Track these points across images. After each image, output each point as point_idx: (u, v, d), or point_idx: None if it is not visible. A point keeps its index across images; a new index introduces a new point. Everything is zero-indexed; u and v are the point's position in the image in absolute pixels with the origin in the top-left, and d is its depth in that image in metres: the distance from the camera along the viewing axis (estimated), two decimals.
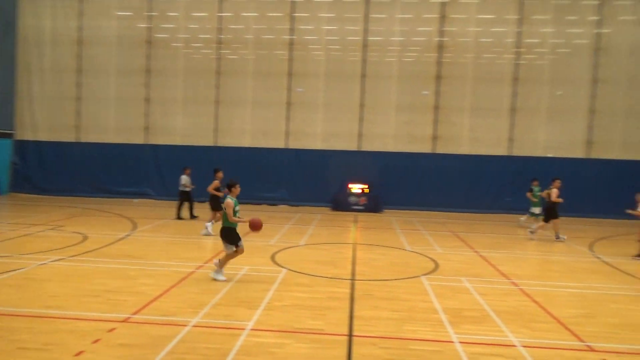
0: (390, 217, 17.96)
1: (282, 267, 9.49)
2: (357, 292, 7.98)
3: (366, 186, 19.34)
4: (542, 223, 13.89)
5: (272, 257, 10.33)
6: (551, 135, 19.69)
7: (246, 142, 20.50)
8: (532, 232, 14.03)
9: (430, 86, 19.83)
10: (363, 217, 17.75)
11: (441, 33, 19.65)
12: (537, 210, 15.65)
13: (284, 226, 14.73)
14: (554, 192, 13.43)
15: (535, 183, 15.96)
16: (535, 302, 7.79)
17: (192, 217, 15.60)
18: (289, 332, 6.11)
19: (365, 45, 19.86)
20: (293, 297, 7.55)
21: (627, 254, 11.92)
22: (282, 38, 20.15)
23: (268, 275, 8.81)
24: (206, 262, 9.62)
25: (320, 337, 6.00)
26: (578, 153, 19.62)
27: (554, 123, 19.65)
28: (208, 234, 12.59)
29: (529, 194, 15.97)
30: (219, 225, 8.84)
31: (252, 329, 6.14)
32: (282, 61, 20.18)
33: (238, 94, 20.44)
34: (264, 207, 19.43)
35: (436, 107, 19.83)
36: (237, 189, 8.47)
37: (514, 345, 5.92)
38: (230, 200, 8.26)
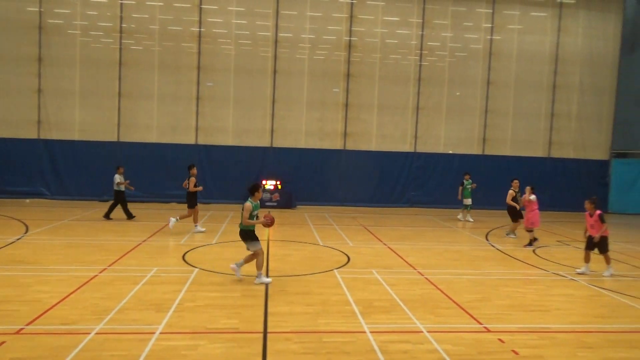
0: (304, 212, 18.15)
1: (194, 266, 9.21)
2: (272, 288, 7.98)
3: (279, 182, 19.37)
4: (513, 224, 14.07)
5: (183, 257, 9.99)
6: (451, 132, 21.12)
7: (153, 137, 19.57)
8: (460, 220, 15.00)
9: (340, 84, 20.31)
10: (276, 213, 17.64)
11: (350, 33, 20.18)
12: (468, 201, 17.14)
13: (194, 225, 14.27)
14: (510, 194, 13.76)
15: (467, 177, 17.34)
16: (439, 289, 8.31)
17: (130, 217, 14.76)
18: (202, 333, 5.95)
19: (276, 41, 19.83)
20: (206, 297, 7.36)
21: (517, 243, 13.11)
22: (190, 30, 19.46)
23: (179, 276, 8.50)
24: (110, 265, 9.06)
25: (235, 335, 5.91)
26: (475, 149, 21.25)
27: (453, 121, 21.09)
28: (199, 231, 12.88)
29: (460, 188, 17.34)
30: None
31: (162, 333, 5.89)
32: (191, 54, 19.51)
33: (143, 87, 19.41)
34: (173, 205, 18.70)
35: (346, 105, 20.36)
36: (259, 194, 8.39)
37: (420, 331, 6.27)
38: (249, 204, 8.12)
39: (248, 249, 8.35)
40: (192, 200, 12.99)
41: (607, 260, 9.71)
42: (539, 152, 21.70)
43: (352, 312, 6.94)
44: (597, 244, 9.65)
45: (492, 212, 19.31)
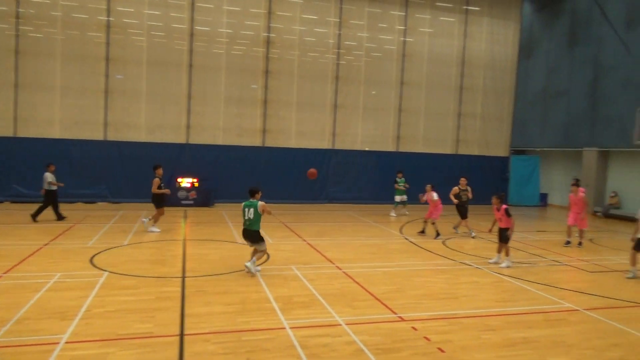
0: (222, 210, 17.80)
1: (103, 270, 8.68)
2: (189, 289, 7.74)
3: (196, 180, 18.81)
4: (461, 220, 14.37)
5: (91, 260, 9.38)
6: (368, 130, 21.78)
7: (55, 132, 18.13)
8: (394, 215, 16.59)
9: (259, 80, 20.14)
10: (193, 212, 17.24)
11: (268, 29, 20.06)
12: (399, 198, 17.97)
13: (104, 225, 13.48)
14: (454, 191, 14.13)
15: (400, 175, 18.08)
16: (357, 282, 8.54)
17: (60, 218, 13.73)
18: (113, 339, 5.63)
19: (192, 35, 19.20)
20: (117, 302, 6.97)
21: (428, 235, 13.83)
22: (97, 19, 18.24)
23: (86, 281, 7.97)
24: (6, 272, 8.28)
25: (149, 340, 5.66)
26: (390, 146, 22.09)
27: (369, 119, 21.75)
28: (153, 231, 12.61)
29: (395, 185, 18.11)
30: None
31: (67, 342, 5.49)
32: (98, 44, 18.31)
33: (44, 78, 17.90)
34: (79, 205, 17.51)
35: (265, 101, 20.23)
36: (259, 195, 9.12)
37: (339, 324, 6.40)
38: (263, 203, 8.87)
39: (253, 247, 8.95)
40: (158, 201, 12.88)
41: (507, 252, 10.43)
42: (447, 149, 23.04)
43: (271, 309, 6.92)
44: (503, 236, 10.32)
45: (407, 206, 20.15)
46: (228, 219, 15.70)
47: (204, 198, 18.71)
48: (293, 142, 20.75)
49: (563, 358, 5.69)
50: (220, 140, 19.86)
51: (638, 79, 17.63)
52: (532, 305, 7.71)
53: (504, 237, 10.35)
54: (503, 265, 10.30)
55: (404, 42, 21.84)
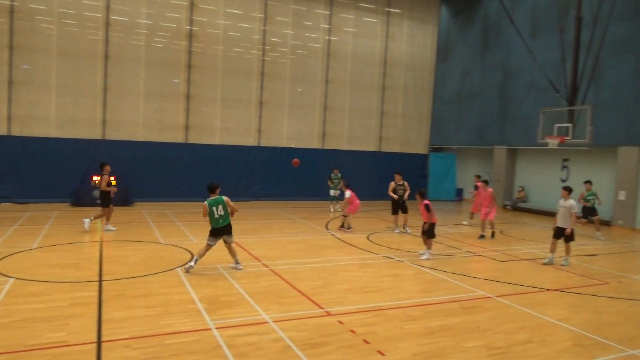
0: (142, 209, 17.03)
1: (8, 276, 7.98)
2: (107, 293, 7.33)
3: (113, 178, 17.80)
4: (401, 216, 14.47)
5: None
6: (293, 127, 21.82)
7: None
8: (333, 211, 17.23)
9: (181, 74, 19.45)
10: None
11: (191, 22, 19.44)
12: (333, 192, 18.52)
13: (8, 228, 12.39)
14: (391, 186, 14.49)
15: (336, 172, 18.59)
16: (284, 279, 8.55)
17: None
18: (20, 352, 5.20)
19: (107, 24, 18.12)
20: (25, 310, 6.44)
21: (355, 229, 14.14)
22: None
23: None
24: None
25: (63, 350, 5.29)
26: (315, 144, 22.30)
27: (295, 117, 21.81)
28: (109, 230, 12.51)
29: (329, 181, 18.73)
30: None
31: None
32: (1, 31, 16.75)
33: None
34: None
35: (187, 96, 19.59)
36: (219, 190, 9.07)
37: (266, 322, 6.38)
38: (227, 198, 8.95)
39: (230, 242, 9.09)
40: (105, 200, 12.60)
41: (429, 245, 10.94)
42: (371, 146, 23.68)
43: (196, 310, 6.74)
44: (425, 231, 10.87)
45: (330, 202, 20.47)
46: (149, 219, 15.06)
47: (121, 197, 17.75)
48: (217, 139, 20.31)
49: (477, 342, 6.07)
50: (139, 136, 18.96)
51: (542, 82, 19.16)
52: (449, 294, 8.15)
53: (428, 232, 10.83)
54: (423, 257, 10.81)
55: (329, 40, 22.12)
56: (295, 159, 13.50)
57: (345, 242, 12.53)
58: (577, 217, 12.14)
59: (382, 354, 5.55)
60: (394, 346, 5.80)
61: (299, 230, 14.26)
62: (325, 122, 22.40)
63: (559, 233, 10.87)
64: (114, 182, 17.66)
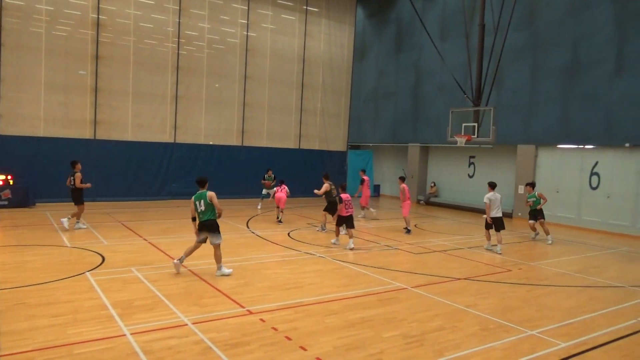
0: (45, 211, 15.74)
1: None
2: (5, 303, 6.69)
3: (10, 177, 16.31)
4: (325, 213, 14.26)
5: None
6: (211, 123, 21.29)
7: None
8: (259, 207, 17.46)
9: (87, 66, 18.21)
10: (8, 213, 14.93)
11: (98, 10, 18.24)
12: (265, 192, 18.60)
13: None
14: (325, 187, 14.02)
15: (270, 172, 18.58)
16: (203, 279, 8.33)
17: None
18: None
19: (1, 8, 16.49)
20: None
21: (271, 227, 14.11)
22: None
23: None
24: None
25: None
26: (234, 141, 21.93)
27: (213, 113, 21.28)
28: (80, 228, 12.71)
29: (263, 181, 18.65)
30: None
31: None
32: None
33: None
34: None
35: (95, 90, 18.40)
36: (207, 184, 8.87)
37: (185, 324, 6.17)
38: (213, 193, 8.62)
39: (213, 244, 8.66)
40: (79, 197, 12.70)
41: (350, 235, 11.72)
42: (291, 144, 23.77)
43: (109, 316, 6.36)
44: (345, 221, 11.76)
45: (252, 200, 20.28)
46: (53, 220, 13.95)
47: (20, 197, 16.33)
48: (129, 135, 19.28)
49: (395, 332, 6.32)
50: (41, 132, 17.49)
51: (450, 83, 20.31)
52: (368, 287, 8.40)
53: (349, 222, 11.77)
54: (348, 247, 11.54)
55: (247, 36, 21.83)
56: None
57: (266, 239, 12.47)
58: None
59: (304, 349, 5.60)
60: (315, 341, 5.87)
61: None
62: (244, 119, 22.11)
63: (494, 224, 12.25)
64: (11, 182, 16.25)
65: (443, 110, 21.00)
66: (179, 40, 20.05)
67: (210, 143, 21.23)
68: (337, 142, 25.44)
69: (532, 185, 14.61)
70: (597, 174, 17.20)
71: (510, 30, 16.57)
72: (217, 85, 21.30)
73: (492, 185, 12.56)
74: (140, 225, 13.75)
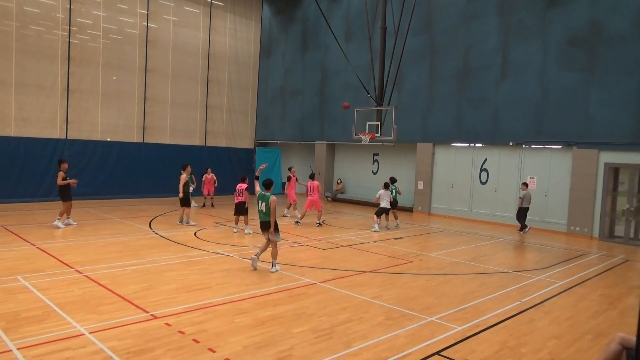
0: None
1: None
2: None
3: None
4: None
5: None
6: (109, 119, 19.94)
7: None
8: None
9: None
10: None
11: None
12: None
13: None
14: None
15: (188, 170, 17.29)
16: (101, 285, 7.79)
17: None
18: None
19: None
20: None
21: (176, 227, 13.59)
22: None
23: None
24: None
25: None
26: (135, 137, 20.74)
27: (110, 107, 19.94)
28: (66, 226, 13.05)
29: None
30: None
31: None
32: None
33: None
34: None
35: None
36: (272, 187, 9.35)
37: (82, 334, 5.73)
38: (275, 197, 9.11)
39: (270, 240, 9.22)
40: (64, 195, 13.22)
41: (245, 221, 13.52)
42: (196, 140, 23.03)
43: None
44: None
45: (155, 199, 19.38)
46: None
47: None
48: (12, 131, 17.45)
49: (304, 327, 6.39)
50: None
51: (355, 83, 20.94)
52: (278, 284, 8.41)
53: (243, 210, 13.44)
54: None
55: (147, 27, 20.75)
56: (346, 103, 16.55)
57: (170, 240, 11.98)
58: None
59: (213, 351, 5.47)
60: (225, 341, 5.76)
61: (119, 230, 13.14)
62: (145, 114, 20.99)
63: (381, 211, 15.42)
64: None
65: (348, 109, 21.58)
66: (70, 28, 18.51)
67: (108, 139, 19.89)
68: (244, 139, 25.12)
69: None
70: (486, 170, 18.77)
71: (409, 35, 17.47)
72: (114, 77, 19.99)
73: (386, 185, 15.77)
74: (27, 230, 12.52)
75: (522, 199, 16.00)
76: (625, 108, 14.94)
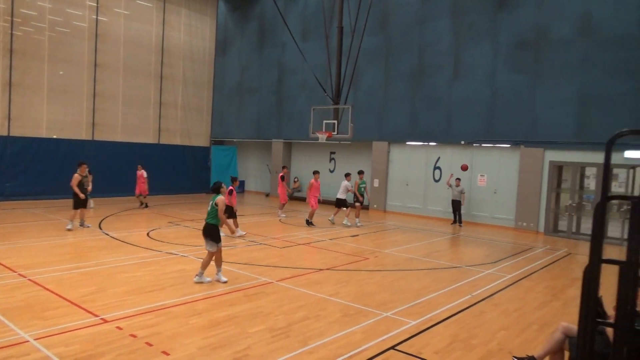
0: None
1: None
2: None
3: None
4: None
5: None
6: (55, 115, 19.07)
7: None
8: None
9: None
10: None
11: None
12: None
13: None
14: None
15: (83, 168, 16.75)
16: (47, 289, 7.46)
17: None
18: None
19: None
20: None
21: (127, 228, 13.18)
22: None
23: None
24: None
25: None
26: (84, 134, 19.94)
27: (57, 103, 19.09)
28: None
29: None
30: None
31: None
32: None
33: None
34: None
35: None
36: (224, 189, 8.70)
37: (25, 341, 5.46)
38: (223, 198, 8.41)
39: (209, 249, 8.25)
40: (76, 199, 12.71)
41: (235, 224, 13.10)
42: (149, 138, 22.40)
43: None
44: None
45: (105, 199, 18.74)
46: None
47: None
48: None
49: (261, 326, 6.36)
50: None
51: (312, 82, 20.99)
52: (234, 284, 8.32)
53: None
54: (239, 233, 12.70)
55: (97, 20, 19.97)
56: (464, 165, 16.97)
57: (122, 241, 11.60)
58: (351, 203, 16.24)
59: (167, 354, 5.34)
60: (179, 343, 5.64)
61: (66, 232, 12.60)
62: (95, 111, 20.21)
63: (339, 203, 16.02)
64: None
65: (305, 107, 21.60)
66: (12, 20, 17.57)
67: (55, 137, 19.03)
68: (199, 137, 24.66)
69: (362, 172, 16.69)
70: (439, 168, 19.26)
71: (365, 34, 17.67)
72: (61, 72, 19.14)
73: (348, 175, 16.45)
74: None
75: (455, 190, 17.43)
76: (569, 109, 15.71)
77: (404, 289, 8.60)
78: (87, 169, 13.37)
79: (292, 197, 24.32)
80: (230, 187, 13.07)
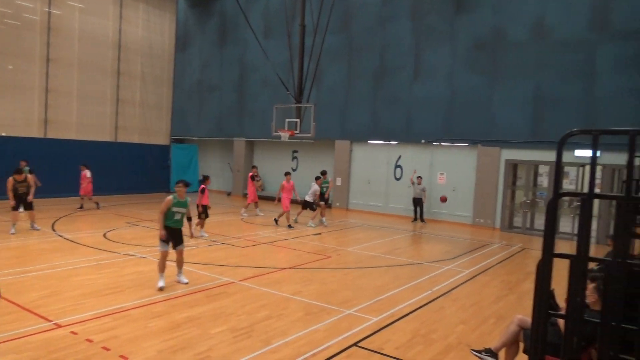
0: None
1: None
2: None
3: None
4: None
5: None
6: (4, 112, 18.17)
7: None
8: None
9: None
10: None
11: None
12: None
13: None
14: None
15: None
16: None
17: None
18: None
19: None
20: None
21: (82, 229, 12.74)
22: None
23: None
24: None
25: None
26: (35, 132, 19.10)
27: (6, 99, 18.19)
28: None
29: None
30: None
31: None
32: None
33: None
34: None
35: None
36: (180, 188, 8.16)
37: None
38: (170, 198, 7.99)
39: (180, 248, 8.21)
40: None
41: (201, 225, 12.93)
42: (106, 136, 21.69)
43: None
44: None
45: (58, 200, 18.04)
46: None
47: None
48: None
49: (223, 327, 6.28)
50: None
51: (274, 80, 20.86)
52: (194, 285, 8.17)
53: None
54: (204, 235, 12.57)
55: (49, 13, 19.15)
56: (443, 196, 17.16)
57: (77, 242, 11.20)
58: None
59: (125, 358, 5.20)
60: (138, 347, 5.50)
61: (17, 234, 12.04)
62: (47, 107, 19.39)
63: (305, 205, 15.69)
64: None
65: (267, 105, 21.46)
66: None
67: (3, 134, 18.14)
68: (159, 135, 24.08)
69: (325, 172, 16.67)
70: (400, 166, 19.57)
71: (328, 33, 17.73)
72: (10, 67, 18.26)
73: (317, 178, 16.09)
74: None
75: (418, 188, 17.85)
76: (523, 109, 16.28)
77: (365, 287, 8.69)
78: (24, 172, 12.43)
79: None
80: (202, 186, 12.94)
